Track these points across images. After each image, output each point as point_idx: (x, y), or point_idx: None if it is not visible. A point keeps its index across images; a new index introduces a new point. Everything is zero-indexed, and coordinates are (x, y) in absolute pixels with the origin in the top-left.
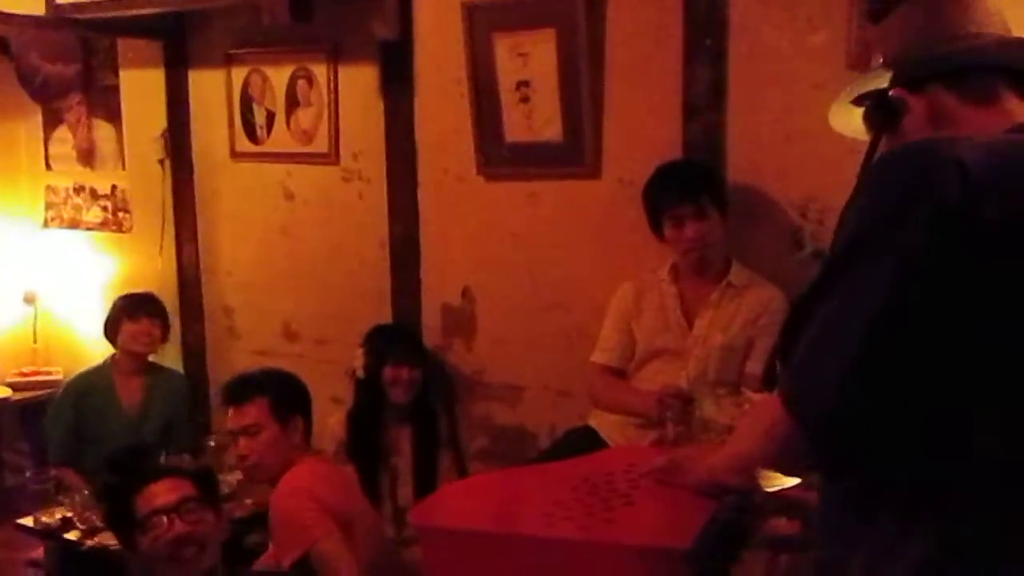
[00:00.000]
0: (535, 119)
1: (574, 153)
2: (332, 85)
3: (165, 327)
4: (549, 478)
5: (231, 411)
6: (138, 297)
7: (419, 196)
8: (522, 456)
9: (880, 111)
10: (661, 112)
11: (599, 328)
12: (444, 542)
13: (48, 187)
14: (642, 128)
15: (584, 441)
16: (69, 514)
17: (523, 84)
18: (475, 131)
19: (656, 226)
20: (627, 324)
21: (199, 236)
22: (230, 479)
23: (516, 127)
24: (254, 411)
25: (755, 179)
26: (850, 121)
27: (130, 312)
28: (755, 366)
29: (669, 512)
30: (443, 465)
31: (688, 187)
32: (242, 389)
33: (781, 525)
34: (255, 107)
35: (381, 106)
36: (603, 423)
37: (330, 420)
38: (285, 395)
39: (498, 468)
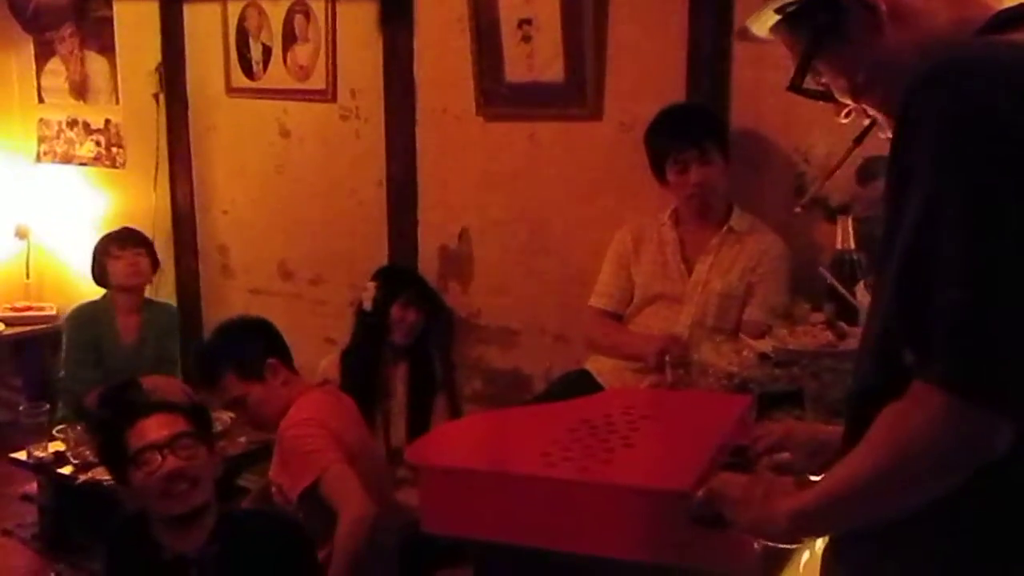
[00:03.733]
0: (536, 59)
1: (575, 94)
2: (330, 20)
3: (152, 256)
4: (547, 419)
5: (212, 392)
6: (116, 233)
7: (417, 135)
8: (517, 399)
9: (817, 13)
10: (665, 55)
11: (597, 272)
12: (440, 481)
13: (41, 120)
14: (646, 71)
15: (580, 385)
16: (62, 448)
17: (525, 22)
18: (475, 70)
19: (658, 170)
20: (626, 269)
21: (194, 173)
22: (224, 417)
23: (517, 66)
24: (228, 387)
25: (759, 125)
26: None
27: (112, 249)
28: (753, 312)
29: (669, 454)
30: (437, 407)
31: (693, 131)
32: (207, 372)
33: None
34: (251, 42)
35: (380, 43)
36: (600, 367)
37: (323, 361)
38: (246, 354)
39: (491, 411)
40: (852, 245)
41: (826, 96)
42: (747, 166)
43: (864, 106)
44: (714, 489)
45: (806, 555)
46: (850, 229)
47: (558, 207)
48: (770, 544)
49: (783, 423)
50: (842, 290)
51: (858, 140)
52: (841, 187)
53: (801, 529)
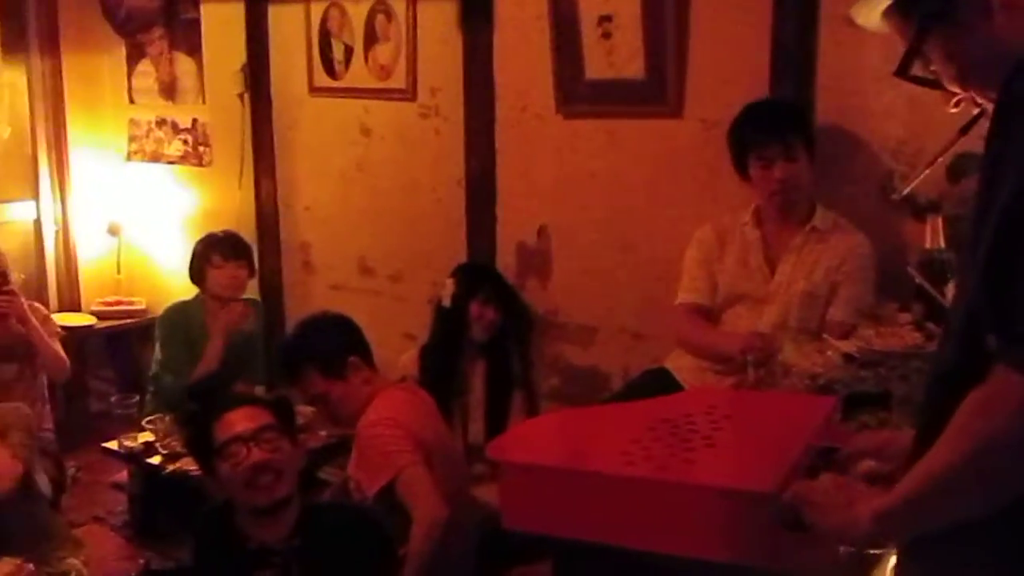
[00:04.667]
0: (616, 56)
1: (656, 91)
2: (411, 20)
3: (251, 267)
4: (627, 417)
5: (294, 388)
6: (219, 241)
7: (496, 133)
8: (594, 397)
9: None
10: (748, 51)
11: (677, 270)
12: (521, 477)
13: (131, 120)
14: (728, 67)
15: (659, 383)
16: (152, 439)
17: (605, 19)
18: (554, 68)
19: (741, 166)
20: (710, 266)
21: (277, 171)
22: (305, 410)
23: (597, 64)
24: (310, 384)
25: (845, 121)
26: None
27: (214, 257)
28: (837, 313)
29: (752, 455)
30: (515, 404)
31: (778, 127)
32: (289, 368)
33: (872, 465)
34: (334, 42)
35: (460, 41)
36: (680, 366)
37: (402, 357)
38: (328, 352)
39: (570, 408)
40: (942, 244)
41: (934, 83)
42: (831, 163)
43: (973, 94)
44: (798, 493)
45: (892, 559)
46: (940, 228)
47: (638, 204)
48: (855, 548)
49: (880, 434)
50: (931, 290)
51: (964, 130)
52: (931, 185)
53: (885, 531)
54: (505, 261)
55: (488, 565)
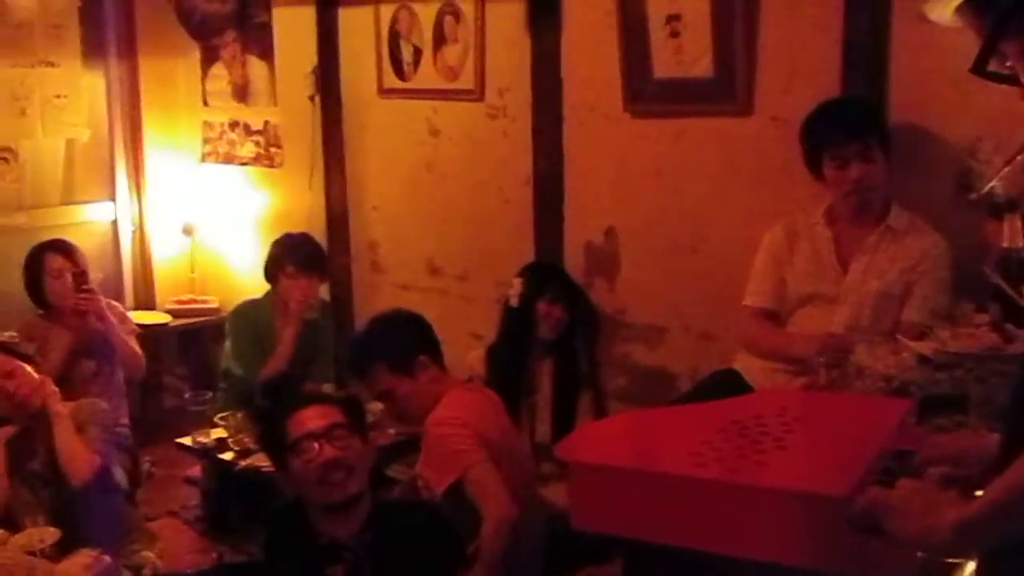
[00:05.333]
0: (685, 54)
1: (725, 90)
2: (479, 21)
3: (324, 276)
4: (696, 418)
5: (361, 383)
6: (296, 248)
7: (564, 133)
8: (662, 398)
9: None
10: (819, 47)
11: (746, 271)
12: (590, 478)
13: (205, 123)
14: (799, 64)
15: (728, 384)
16: (224, 435)
17: (673, 18)
18: (622, 67)
19: (815, 166)
20: (780, 267)
21: (347, 171)
22: (373, 408)
23: (665, 63)
24: (378, 380)
25: (920, 119)
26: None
27: (288, 267)
28: (912, 313)
29: (825, 458)
30: (582, 404)
31: (854, 125)
32: (359, 363)
33: (946, 470)
34: (403, 43)
35: (527, 42)
36: (750, 367)
37: (469, 356)
38: (398, 348)
39: (638, 409)
40: (1020, 243)
41: (1011, 79)
42: (905, 162)
43: None
44: (874, 498)
45: (970, 567)
46: (1018, 226)
47: (706, 204)
48: (932, 556)
49: (958, 439)
50: (1009, 291)
51: None
52: (1009, 182)
53: (966, 541)
54: (572, 261)
55: (556, 565)
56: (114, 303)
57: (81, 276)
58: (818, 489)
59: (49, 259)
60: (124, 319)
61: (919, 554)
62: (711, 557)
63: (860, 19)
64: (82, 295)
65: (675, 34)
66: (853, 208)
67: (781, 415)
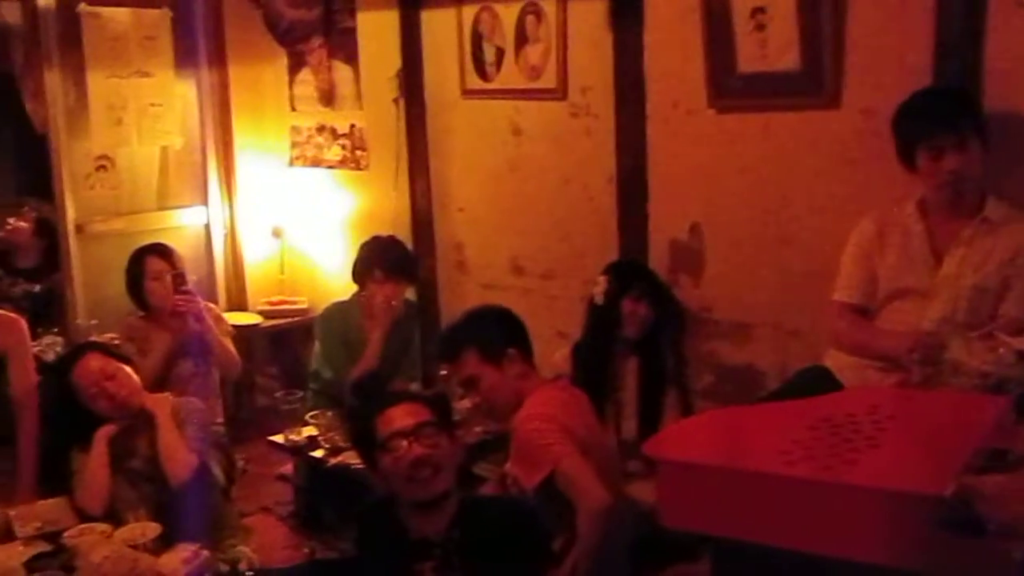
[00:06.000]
0: (770, 47)
1: (812, 82)
2: (561, 20)
3: (412, 280)
4: (786, 416)
5: (450, 368)
6: (385, 252)
7: (647, 130)
8: (750, 395)
9: None
10: (910, 37)
11: (836, 266)
12: (679, 476)
13: (293, 127)
14: (888, 55)
15: (818, 382)
16: (315, 433)
17: (759, 11)
18: (707, 62)
19: (908, 157)
20: (870, 261)
21: (431, 173)
22: (460, 407)
23: (750, 56)
24: (466, 364)
25: (1016, 107)
26: None
27: (376, 272)
28: (1010, 308)
29: (920, 456)
30: (668, 402)
31: (949, 115)
32: (450, 346)
33: None
34: (485, 44)
35: (610, 40)
36: (840, 364)
37: (555, 355)
38: (489, 337)
39: (725, 406)
40: None
41: None
42: (1001, 152)
43: None
44: (968, 486)
45: None
46: None
47: (794, 199)
48: None
49: None
50: None
51: None
52: None
53: None
54: (657, 258)
55: (643, 563)
56: (211, 305)
57: (179, 278)
58: (914, 488)
59: (149, 262)
60: (220, 320)
61: (1017, 552)
62: (801, 556)
63: (952, 5)
64: (180, 297)
65: (760, 27)
66: (947, 200)
67: (873, 413)
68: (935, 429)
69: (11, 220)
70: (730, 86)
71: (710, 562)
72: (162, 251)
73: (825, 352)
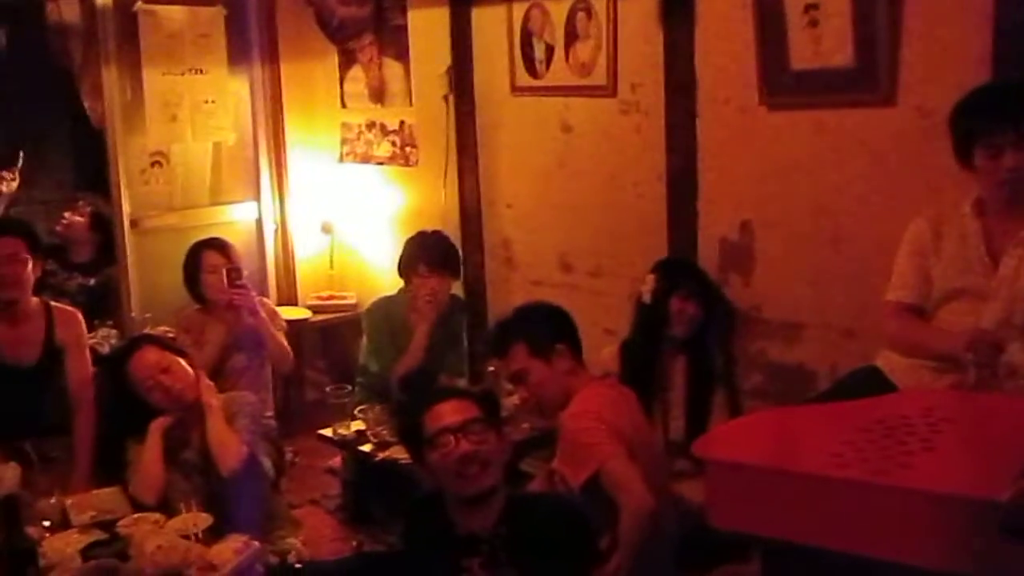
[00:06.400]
0: (824, 44)
1: (867, 79)
2: (611, 16)
3: (456, 274)
4: (838, 417)
5: (499, 362)
6: (430, 247)
7: (698, 127)
8: (800, 396)
9: None
10: (968, 32)
11: (889, 265)
12: (729, 476)
13: (343, 123)
14: (945, 52)
15: (870, 383)
16: (363, 428)
17: (812, 7)
18: (758, 59)
19: (964, 155)
20: (924, 260)
21: (480, 169)
22: (507, 403)
23: (803, 53)
24: (515, 359)
25: None
26: None
27: (420, 267)
28: None
29: (977, 460)
30: (716, 401)
31: (1009, 112)
32: (499, 341)
33: None
34: (535, 41)
35: (660, 36)
36: (893, 365)
37: (603, 352)
38: (539, 332)
39: (774, 407)
40: None
41: None
42: None
43: None
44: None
45: None
46: None
47: (847, 197)
48: None
49: None
50: None
51: None
52: None
53: None
54: (706, 256)
55: (690, 562)
56: (265, 300)
57: (235, 273)
58: (970, 492)
59: (206, 256)
60: (274, 315)
61: None
62: (853, 559)
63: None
64: (235, 291)
65: (814, 23)
66: (1005, 199)
67: (927, 415)
68: (991, 433)
69: (67, 215)
70: (782, 83)
71: (760, 563)
72: (219, 245)
73: (877, 352)
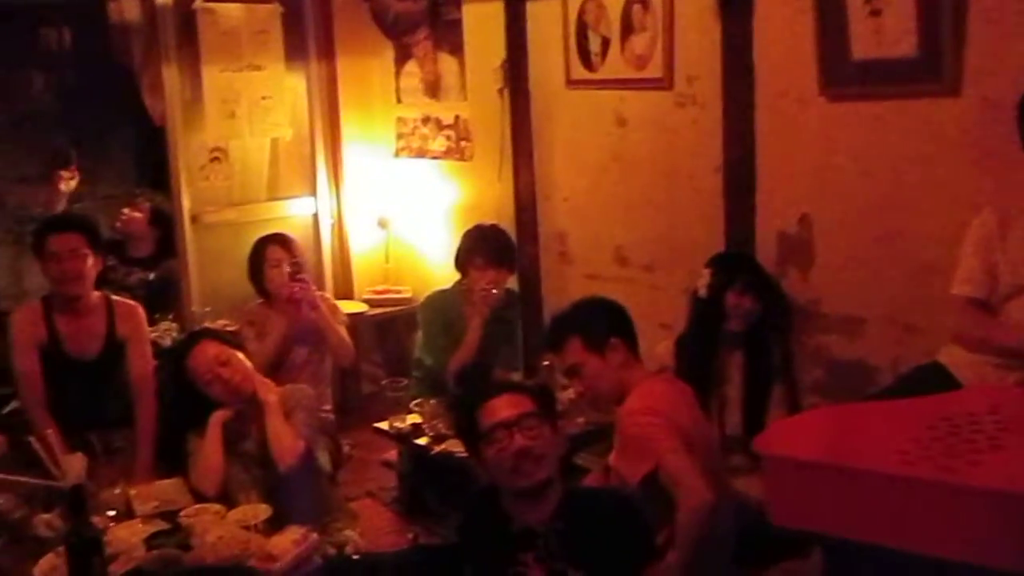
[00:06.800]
0: (886, 33)
1: (930, 69)
2: (667, 9)
3: (512, 271)
4: (901, 414)
5: (554, 356)
6: (486, 241)
7: (756, 119)
8: (860, 392)
9: None
10: None
11: (951, 259)
12: (791, 474)
13: (399, 118)
14: (1012, 39)
15: (933, 379)
16: (419, 421)
17: None
18: (818, 49)
19: None
20: (991, 254)
21: (535, 163)
22: (562, 397)
23: (864, 43)
24: (570, 352)
25: None
26: None
27: (477, 259)
28: None
29: None
30: (774, 396)
31: None
32: (555, 335)
33: None
34: (590, 34)
35: (718, 27)
36: (957, 360)
37: (658, 347)
38: (593, 326)
39: (834, 403)
40: None
41: None
42: None
43: None
44: None
45: None
46: None
47: (909, 189)
48: None
49: None
50: None
51: None
52: None
53: None
54: (764, 250)
55: (748, 558)
56: (326, 295)
57: (296, 267)
58: None
59: (269, 250)
60: (335, 310)
61: None
62: (918, 558)
63: None
64: (295, 284)
65: (876, 12)
66: None
67: (995, 413)
68: None
69: (125, 211)
70: (843, 73)
71: (822, 561)
72: (282, 240)
73: (940, 348)
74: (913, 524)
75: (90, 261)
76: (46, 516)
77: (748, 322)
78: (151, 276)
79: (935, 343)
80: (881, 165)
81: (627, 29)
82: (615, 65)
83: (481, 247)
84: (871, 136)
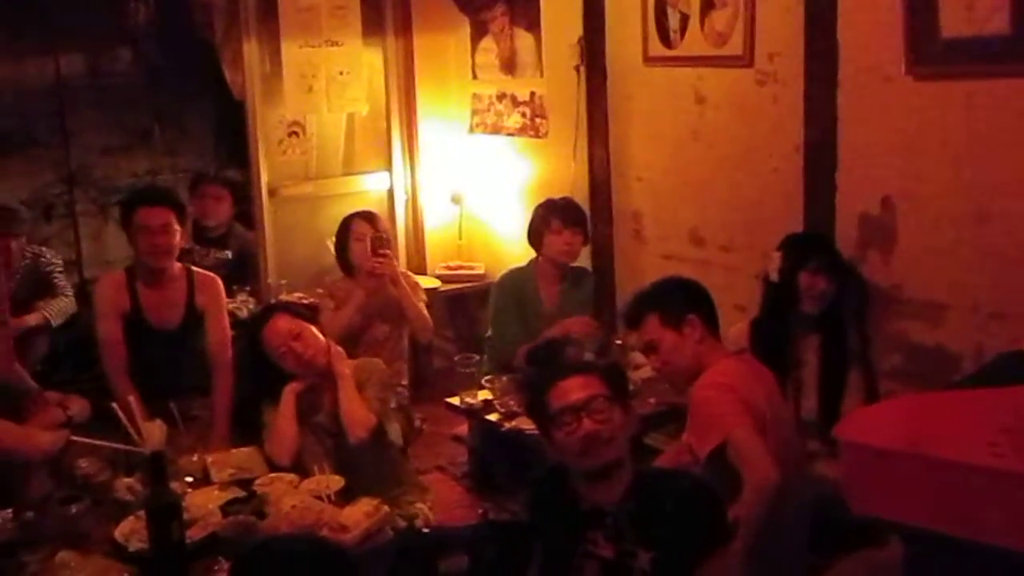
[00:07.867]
0: (978, 9)
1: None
2: None
3: (586, 235)
4: (988, 405)
5: (632, 333)
6: (560, 206)
7: (838, 98)
8: (941, 379)
9: None
10: None
11: None
12: (872, 462)
13: (474, 95)
14: None
15: (1018, 368)
16: (490, 397)
17: None
18: (906, 26)
19: None
20: None
21: (610, 141)
22: (635, 376)
23: (954, 19)
24: (648, 329)
25: None
26: None
27: (553, 222)
28: None
29: None
30: (851, 381)
31: None
32: (633, 312)
33: None
34: (669, 11)
35: (801, 4)
36: None
37: (731, 330)
38: (671, 303)
39: (913, 390)
40: None
41: None
42: None
43: None
44: None
45: None
46: None
47: (999, 173)
48: None
49: None
50: None
51: None
52: None
53: None
54: (845, 232)
55: (825, 543)
56: (408, 272)
57: (378, 241)
58: None
59: (355, 224)
60: (416, 287)
61: None
62: (1002, 552)
63: None
64: (377, 258)
65: None
66: None
67: None
68: None
69: (201, 187)
70: (931, 51)
71: (903, 551)
72: (367, 216)
73: None
74: (1001, 517)
75: (178, 236)
76: (127, 480)
77: (823, 304)
78: (228, 254)
79: (1021, 331)
80: (968, 147)
81: (707, 5)
82: (694, 42)
83: (556, 210)
84: (961, 117)
